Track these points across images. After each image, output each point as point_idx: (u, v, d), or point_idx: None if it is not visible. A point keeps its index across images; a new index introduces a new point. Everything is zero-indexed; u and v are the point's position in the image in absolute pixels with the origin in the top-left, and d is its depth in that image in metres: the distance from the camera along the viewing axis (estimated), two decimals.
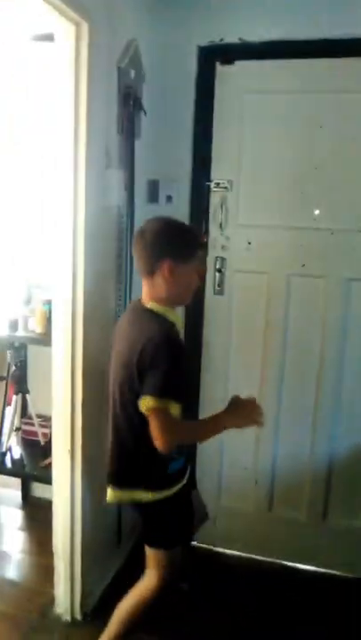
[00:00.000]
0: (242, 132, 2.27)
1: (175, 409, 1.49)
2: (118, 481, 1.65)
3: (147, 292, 1.63)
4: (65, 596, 2.09)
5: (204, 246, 1.67)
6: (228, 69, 2.24)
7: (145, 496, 1.61)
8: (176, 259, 1.56)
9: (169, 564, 1.70)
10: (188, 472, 1.74)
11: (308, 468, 2.43)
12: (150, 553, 1.71)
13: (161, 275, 1.57)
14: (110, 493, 1.66)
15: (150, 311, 1.60)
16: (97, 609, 2.13)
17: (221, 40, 2.20)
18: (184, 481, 1.70)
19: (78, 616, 2.09)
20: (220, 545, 2.57)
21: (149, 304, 1.61)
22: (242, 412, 1.63)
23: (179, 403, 1.50)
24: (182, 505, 1.73)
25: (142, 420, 1.50)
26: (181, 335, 1.72)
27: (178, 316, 1.69)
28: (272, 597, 2.27)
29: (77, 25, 1.70)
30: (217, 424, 1.64)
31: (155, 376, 1.47)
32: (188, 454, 1.75)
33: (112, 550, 2.35)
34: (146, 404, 1.47)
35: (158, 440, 1.48)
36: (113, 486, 1.66)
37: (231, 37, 2.18)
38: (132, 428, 1.56)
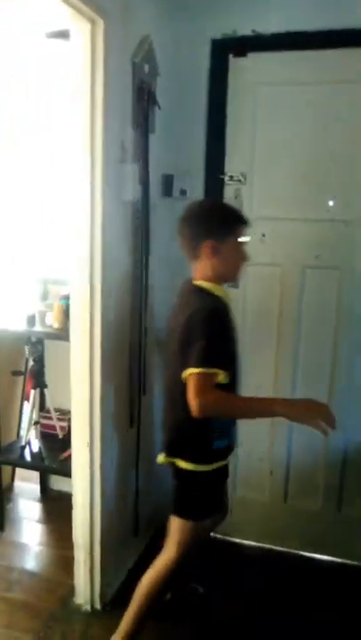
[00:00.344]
0: (255, 124, 2.27)
1: (220, 375, 1.54)
2: (168, 448, 1.72)
3: (195, 272, 1.69)
4: (85, 587, 2.12)
5: (246, 221, 1.68)
6: (242, 62, 2.24)
7: (185, 465, 1.67)
8: (216, 238, 1.62)
9: (191, 538, 1.74)
10: (230, 455, 1.78)
11: (323, 458, 2.44)
12: (176, 524, 1.75)
13: (205, 256, 1.63)
14: (160, 457, 1.74)
15: (196, 287, 1.66)
16: (116, 599, 2.16)
17: (234, 32, 2.20)
18: (225, 462, 1.76)
19: (98, 606, 2.13)
20: (236, 535, 2.59)
21: (198, 282, 1.67)
22: (308, 406, 1.56)
23: (223, 370, 1.55)
24: (217, 483, 1.79)
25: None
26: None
27: (225, 292, 1.72)
28: (287, 586, 2.30)
29: (93, 22, 1.71)
30: (266, 404, 1.61)
31: (196, 348, 1.52)
32: (233, 437, 1.79)
33: (129, 542, 2.38)
34: (186, 373, 1.53)
35: (191, 402, 1.52)
36: (164, 452, 1.72)
37: (244, 30, 2.18)
38: (181, 400, 1.58)
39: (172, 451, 1.71)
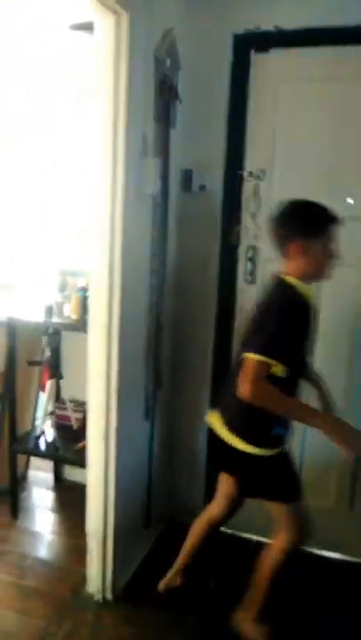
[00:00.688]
0: (276, 120, 2.26)
1: (277, 368, 1.58)
2: (228, 423, 1.75)
3: (285, 268, 1.71)
4: (97, 576, 2.14)
5: (336, 220, 1.68)
6: (264, 57, 2.24)
7: (242, 446, 1.70)
8: (305, 237, 1.64)
9: (294, 517, 1.80)
10: (286, 442, 1.81)
11: (336, 456, 2.43)
12: (274, 508, 1.82)
13: (294, 255, 1.66)
14: (213, 417, 1.79)
15: (282, 280, 1.69)
16: (127, 590, 2.19)
17: (257, 28, 2.19)
18: (283, 450, 1.79)
19: (109, 596, 2.15)
20: (247, 531, 2.59)
21: (284, 276, 1.69)
22: (356, 436, 1.60)
23: (282, 363, 1.58)
24: (282, 467, 1.81)
25: None
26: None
27: (310, 291, 1.72)
28: (297, 583, 2.30)
29: (117, 14, 1.71)
30: (311, 414, 1.63)
31: (262, 335, 1.58)
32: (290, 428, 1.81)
33: (141, 534, 2.40)
34: (246, 356, 1.57)
35: (241, 385, 1.56)
36: (226, 427, 1.75)
37: (267, 25, 2.17)
38: None
39: (232, 427, 1.74)
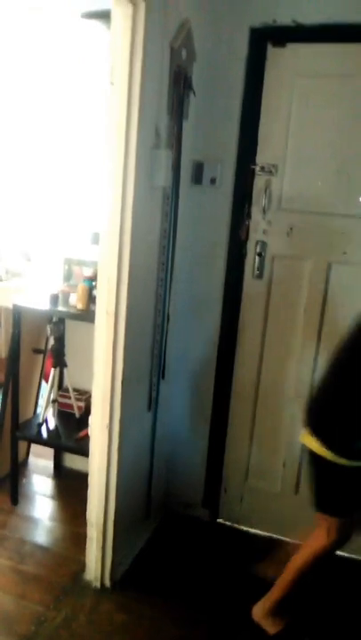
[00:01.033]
0: (290, 115, 2.25)
1: None
2: (313, 426, 1.74)
3: None
4: (96, 564, 2.16)
5: None
6: (280, 52, 2.22)
7: (322, 451, 1.69)
8: None
9: (337, 531, 1.78)
10: None
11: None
12: (321, 514, 1.80)
13: None
14: (305, 436, 1.76)
15: None
16: (125, 578, 2.22)
17: (274, 22, 2.17)
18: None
19: (108, 583, 2.17)
20: (245, 523, 2.62)
21: None
22: None
23: None
24: (355, 482, 1.76)
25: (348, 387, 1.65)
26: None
27: None
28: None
29: (134, 4, 1.70)
30: None
31: None
32: None
33: (141, 524, 2.42)
34: None
35: None
36: (309, 429, 1.74)
37: (284, 19, 2.15)
38: (342, 388, 1.67)
39: (316, 430, 1.72)
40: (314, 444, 1.71)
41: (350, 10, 2.06)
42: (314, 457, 1.73)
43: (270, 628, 1.96)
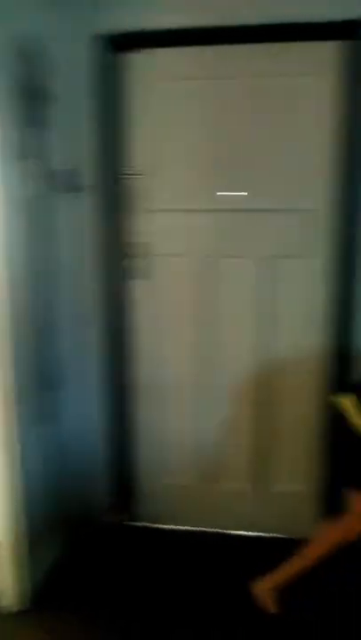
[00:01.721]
0: (155, 118, 2.32)
1: None
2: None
3: None
4: (13, 587, 2.10)
5: None
6: (134, 57, 2.28)
7: None
8: None
9: None
10: None
11: (247, 439, 2.54)
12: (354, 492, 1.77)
13: None
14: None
15: None
16: (44, 596, 2.16)
17: (121, 28, 2.21)
18: None
19: (27, 605, 2.11)
20: (164, 522, 2.64)
21: None
22: None
23: None
24: None
25: None
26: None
27: None
28: (210, 564, 2.36)
29: None
30: None
31: None
32: None
33: (57, 536, 2.37)
34: None
35: None
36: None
37: (134, 25, 2.20)
38: None
39: None
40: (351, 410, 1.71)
41: (199, 14, 2.14)
42: (347, 428, 1.71)
43: (270, 603, 1.96)
